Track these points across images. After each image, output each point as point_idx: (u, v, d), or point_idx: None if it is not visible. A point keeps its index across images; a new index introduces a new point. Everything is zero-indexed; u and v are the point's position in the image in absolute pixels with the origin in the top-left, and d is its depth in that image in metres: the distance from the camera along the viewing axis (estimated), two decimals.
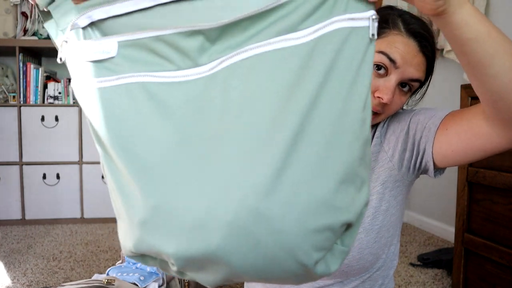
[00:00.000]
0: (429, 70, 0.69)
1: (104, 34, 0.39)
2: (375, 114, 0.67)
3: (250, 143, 0.33)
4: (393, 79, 0.65)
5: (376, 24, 0.36)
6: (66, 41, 0.38)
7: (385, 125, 0.73)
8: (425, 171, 0.69)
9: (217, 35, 0.36)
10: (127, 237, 0.37)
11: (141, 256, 0.39)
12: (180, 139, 0.35)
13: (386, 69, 0.65)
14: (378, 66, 0.65)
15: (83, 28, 0.39)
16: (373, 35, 0.36)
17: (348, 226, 0.36)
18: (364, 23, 0.35)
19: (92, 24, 0.39)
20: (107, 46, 0.37)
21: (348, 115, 0.34)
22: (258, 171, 0.32)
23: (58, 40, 0.40)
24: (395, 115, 0.73)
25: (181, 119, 0.36)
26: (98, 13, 0.38)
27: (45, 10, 0.43)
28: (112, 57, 0.38)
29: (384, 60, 0.64)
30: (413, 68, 0.65)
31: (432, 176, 0.67)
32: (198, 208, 0.33)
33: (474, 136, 0.57)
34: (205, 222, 0.32)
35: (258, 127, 0.34)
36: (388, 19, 0.67)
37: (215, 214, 0.32)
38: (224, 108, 0.35)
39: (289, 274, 0.34)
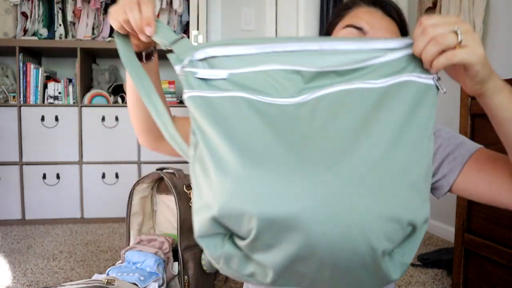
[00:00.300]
0: (403, 34, 0.70)
1: (213, 67, 0.47)
2: None
3: (333, 147, 0.41)
4: None
5: (439, 83, 0.46)
6: (184, 66, 0.47)
7: None
8: (431, 189, 0.68)
9: (311, 77, 0.46)
10: (212, 203, 0.41)
11: (212, 236, 0.43)
12: (275, 136, 0.42)
13: None
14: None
15: (199, 60, 0.48)
16: (437, 88, 0.47)
17: (411, 231, 0.42)
18: (429, 81, 0.46)
19: (205, 59, 0.48)
20: (219, 73, 0.46)
21: (414, 139, 0.43)
22: (354, 163, 0.39)
23: (177, 67, 0.48)
24: None
25: (276, 124, 0.43)
26: (213, 51, 0.47)
27: (169, 48, 0.50)
28: (223, 79, 0.46)
29: (352, 31, 0.66)
30: (382, 31, 0.66)
31: (437, 196, 0.68)
32: (286, 184, 0.38)
33: (504, 192, 0.58)
34: (291, 193, 0.38)
35: (341, 138, 0.41)
36: (348, 3, 0.71)
37: (302, 188, 0.38)
38: (312, 120, 0.43)
39: (358, 257, 0.37)
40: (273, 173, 0.39)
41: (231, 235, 0.42)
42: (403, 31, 0.70)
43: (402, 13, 0.70)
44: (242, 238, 0.41)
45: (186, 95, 0.46)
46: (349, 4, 0.71)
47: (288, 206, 0.37)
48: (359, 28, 0.65)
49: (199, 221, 0.43)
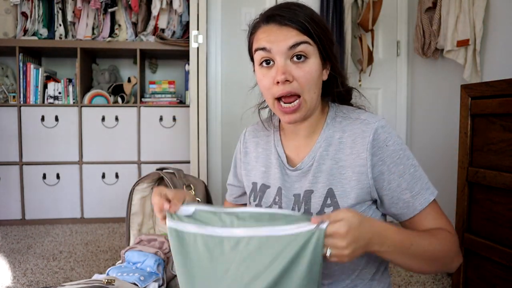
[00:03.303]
0: (315, 31, 0.72)
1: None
2: (294, 97, 0.74)
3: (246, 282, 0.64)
4: (277, 60, 0.72)
5: (321, 227, 0.60)
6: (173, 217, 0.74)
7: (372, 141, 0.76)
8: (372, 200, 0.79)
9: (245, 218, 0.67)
10: None
11: None
12: (210, 270, 0.68)
13: (268, 59, 0.74)
14: (262, 62, 0.74)
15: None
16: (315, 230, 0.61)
17: None
18: (310, 227, 0.60)
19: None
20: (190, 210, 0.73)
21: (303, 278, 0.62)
22: None
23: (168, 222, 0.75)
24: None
25: (214, 257, 0.68)
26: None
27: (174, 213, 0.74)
28: (190, 215, 0.72)
29: (259, 54, 0.74)
30: (282, 41, 0.71)
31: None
32: None
33: None
34: None
35: (250, 275, 0.64)
36: (250, 29, 0.78)
37: None
38: (234, 256, 0.66)
39: None
40: None
41: None
42: (315, 28, 0.73)
43: (304, 15, 0.72)
44: None
45: (170, 222, 0.73)
46: (252, 29, 0.78)
47: None
48: (263, 49, 0.73)
49: None
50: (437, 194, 0.76)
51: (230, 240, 0.66)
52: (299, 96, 0.74)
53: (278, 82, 0.72)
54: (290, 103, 0.74)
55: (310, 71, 0.73)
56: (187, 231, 0.70)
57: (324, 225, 0.59)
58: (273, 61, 0.73)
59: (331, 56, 0.77)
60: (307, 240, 0.60)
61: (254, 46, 0.76)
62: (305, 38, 0.71)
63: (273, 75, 0.73)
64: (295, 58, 0.72)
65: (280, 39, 0.71)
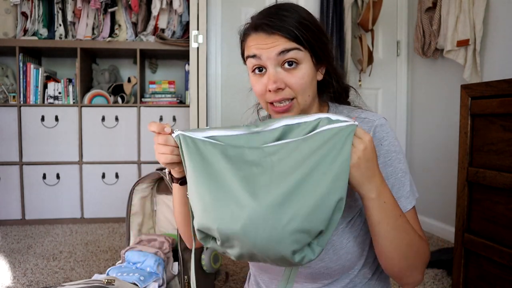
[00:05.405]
0: (304, 35, 0.71)
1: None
2: (290, 101, 0.74)
3: (269, 183, 0.59)
4: (268, 68, 0.73)
5: (356, 124, 0.60)
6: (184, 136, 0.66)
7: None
8: None
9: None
10: (195, 219, 0.62)
11: (205, 237, 0.63)
12: (236, 175, 0.60)
13: (260, 67, 0.74)
14: (254, 70, 0.75)
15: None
16: (347, 125, 0.60)
17: (320, 233, 0.58)
18: (344, 124, 0.60)
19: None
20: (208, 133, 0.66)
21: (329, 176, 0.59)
22: (276, 194, 0.57)
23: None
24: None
25: (238, 165, 0.61)
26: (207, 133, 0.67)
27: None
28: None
29: (251, 61, 0.74)
30: (272, 48, 0.71)
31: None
32: (232, 211, 0.57)
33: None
34: (234, 217, 0.57)
35: (278, 177, 0.59)
36: (241, 36, 0.78)
37: (244, 211, 0.56)
38: (264, 161, 0.62)
39: (279, 255, 0.56)
40: (227, 204, 0.58)
41: (213, 237, 0.62)
42: (305, 33, 0.71)
43: (289, 18, 0.71)
44: (216, 240, 0.62)
45: (177, 132, 0.65)
46: (242, 36, 0.78)
47: (232, 226, 0.56)
48: (253, 56, 0.73)
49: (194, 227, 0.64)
50: (414, 204, 0.75)
51: (262, 149, 0.63)
52: (292, 99, 0.74)
53: (269, 90, 0.73)
54: (282, 102, 0.75)
55: (302, 77, 0.73)
56: (201, 139, 0.64)
57: (356, 122, 0.61)
58: (265, 68, 0.74)
59: (324, 57, 0.76)
60: (347, 133, 0.60)
61: (246, 53, 0.76)
62: (294, 45, 0.71)
63: (265, 82, 0.73)
64: (286, 65, 0.72)
65: (269, 47, 0.71)
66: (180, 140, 0.64)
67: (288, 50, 0.71)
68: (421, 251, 0.70)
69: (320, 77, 0.79)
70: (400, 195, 0.73)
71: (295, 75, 0.72)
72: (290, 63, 0.72)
